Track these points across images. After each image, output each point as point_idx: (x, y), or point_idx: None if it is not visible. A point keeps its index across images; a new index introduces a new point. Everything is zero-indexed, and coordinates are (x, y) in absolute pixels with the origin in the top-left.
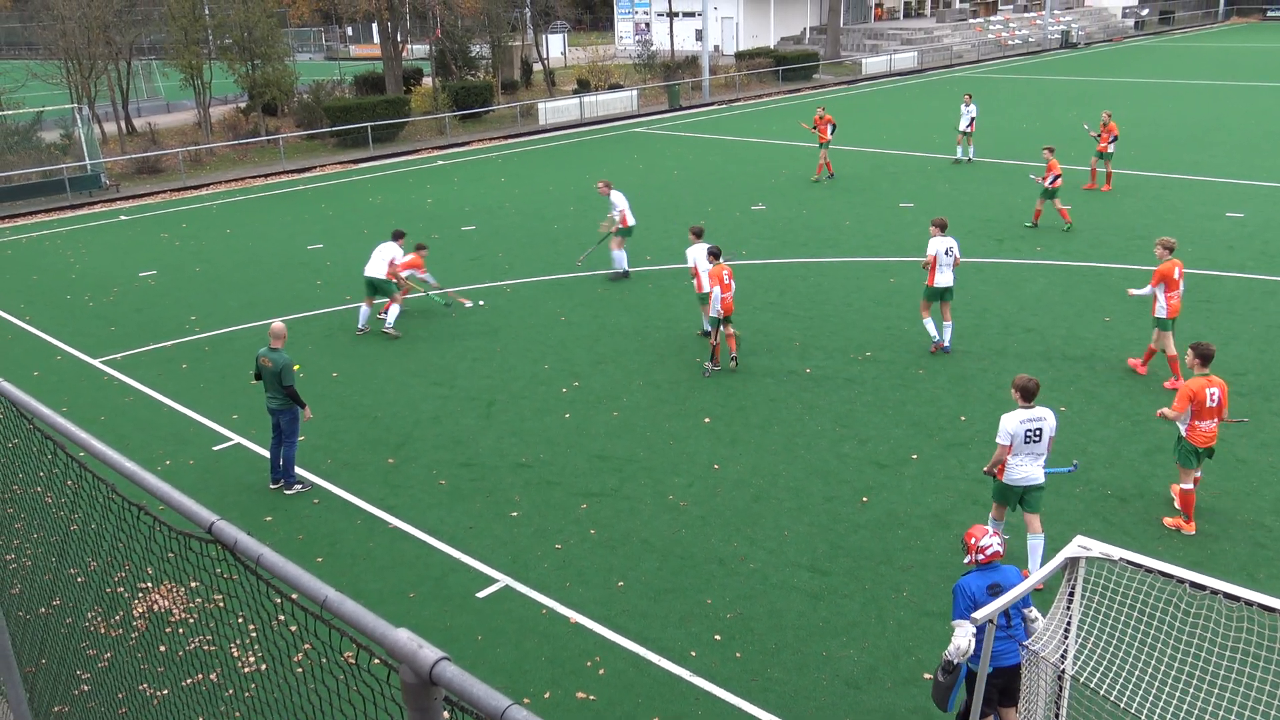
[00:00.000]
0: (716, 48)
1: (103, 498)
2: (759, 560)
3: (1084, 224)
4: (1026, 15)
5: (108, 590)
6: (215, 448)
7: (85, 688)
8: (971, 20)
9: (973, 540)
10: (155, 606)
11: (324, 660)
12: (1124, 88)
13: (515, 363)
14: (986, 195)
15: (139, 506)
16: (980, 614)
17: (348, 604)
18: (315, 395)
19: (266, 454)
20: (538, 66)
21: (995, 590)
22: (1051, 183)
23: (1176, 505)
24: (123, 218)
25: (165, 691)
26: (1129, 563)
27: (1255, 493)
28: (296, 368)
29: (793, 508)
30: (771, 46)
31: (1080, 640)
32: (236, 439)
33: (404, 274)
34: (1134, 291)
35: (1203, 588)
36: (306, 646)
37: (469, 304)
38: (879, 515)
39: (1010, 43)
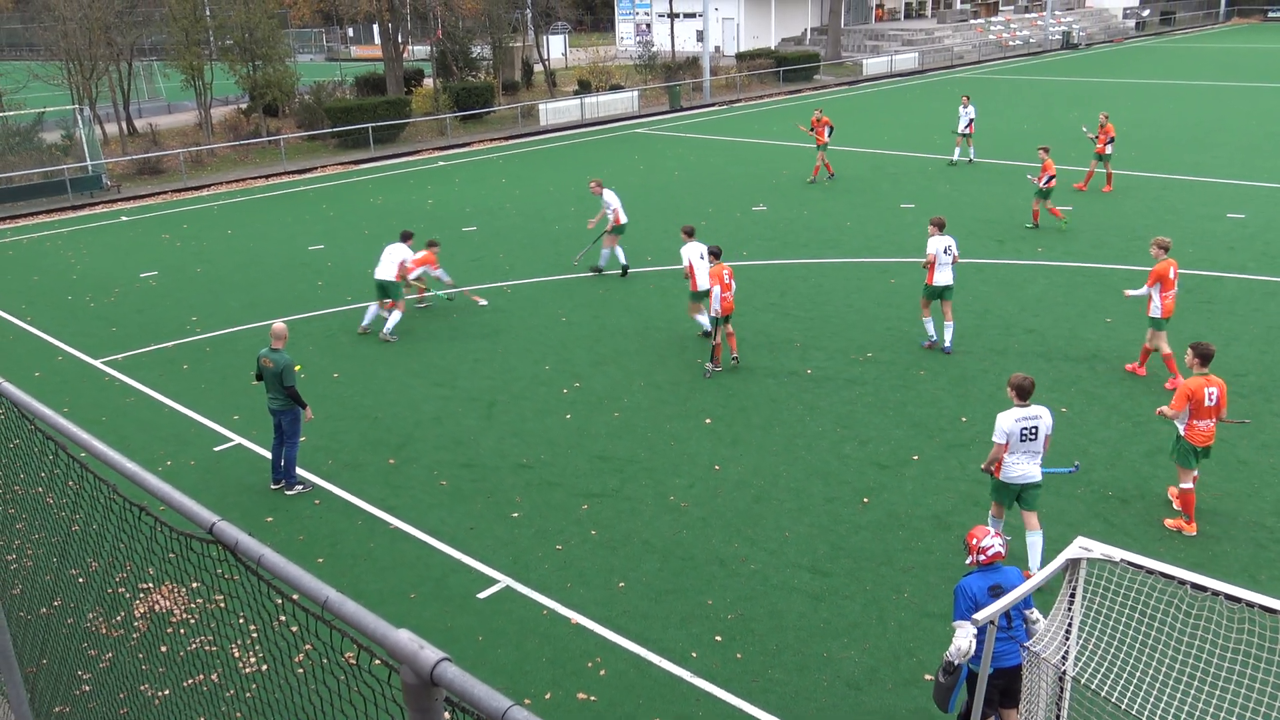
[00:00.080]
0: (717, 48)
1: (104, 498)
2: (760, 561)
3: (1085, 225)
4: (1027, 16)
5: (109, 591)
6: (216, 448)
7: (86, 688)
8: (972, 21)
9: (974, 541)
10: (156, 607)
11: (325, 661)
12: (1125, 88)
13: (516, 363)
14: (987, 196)
15: (140, 507)
16: (981, 615)
17: (349, 605)
18: (316, 396)
19: (267, 455)
20: (539, 67)
21: (996, 591)
22: (1046, 183)
23: (1176, 507)
24: (124, 218)
25: (166, 692)
26: (1130, 564)
27: (1256, 494)
28: (298, 368)
29: (793, 509)
30: (772, 47)
31: (1081, 641)
32: (237, 440)
33: (417, 271)
34: (1130, 292)
35: (1204, 589)
36: (307, 647)
37: (483, 302)
38: (880, 516)
39: (1011, 43)
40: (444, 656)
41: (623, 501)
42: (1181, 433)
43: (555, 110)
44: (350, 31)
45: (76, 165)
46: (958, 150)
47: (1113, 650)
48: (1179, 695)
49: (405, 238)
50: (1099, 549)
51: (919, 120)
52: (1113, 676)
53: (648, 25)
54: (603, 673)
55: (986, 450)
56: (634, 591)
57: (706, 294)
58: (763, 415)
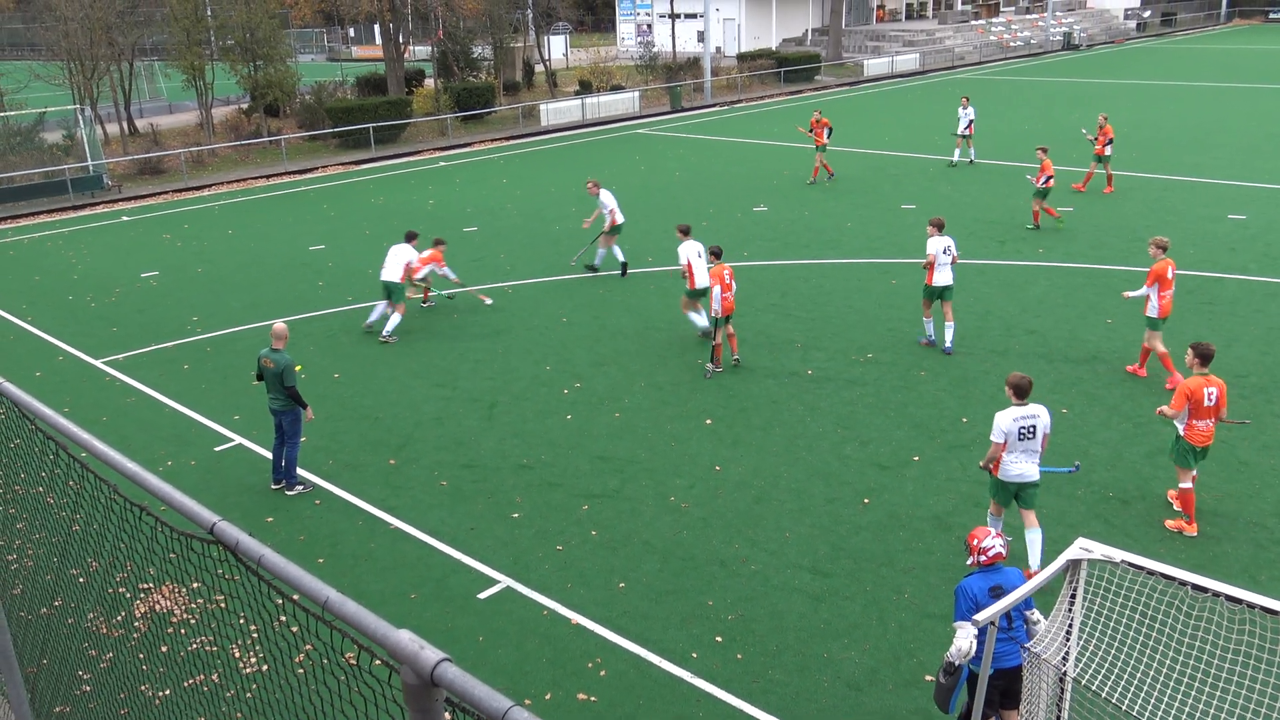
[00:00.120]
0: (718, 49)
1: (104, 498)
2: (760, 562)
3: (1086, 226)
4: (1028, 17)
5: (109, 591)
6: (217, 448)
7: (87, 688)
8: (974, 22)
9: (975, 542)
10: (157, 607)
11: (325, 661)
12: (1126, 89)
13: (517, 364)
14: (988, 197)
15: (141, 507)
16: (982, 616)
17: (349, 605)
18: (317, 396)
19: (268, 455)
20: (539, 68)
21: (997, 592)
22: (1044, 183)
23: (1176, 508)
24: (125, 218)
25: (167, 692)
26: (1131, 565)
27: (1257, 495)
28: (298, 368)
29: (794, 509)
30: (773, 48)
31: (1082, 642)
32: (238, 440)
33: (424, 270)
34: (1130, 294)
35: (1204, 590)
36: (308, 647)
37: (489, 301)
38: (880, 517)
39: (1012, 44)
40: (444, 657)
41: (623, 502)
42: (1181, 432)
43: (556, 111)
44: (351, 32)
45: (77, 165)
46: (958, 152)
47: (1113, 651)
48: (1179, 696)
49: (410, 238)
50: (1099, 550)
51: (920, 121)
52: (1113, 677)
53: (649, 26)
54: (603, 673)
55: (987, 451)
56: (634, 592)
57: (704, 292)
58: (763, 416)
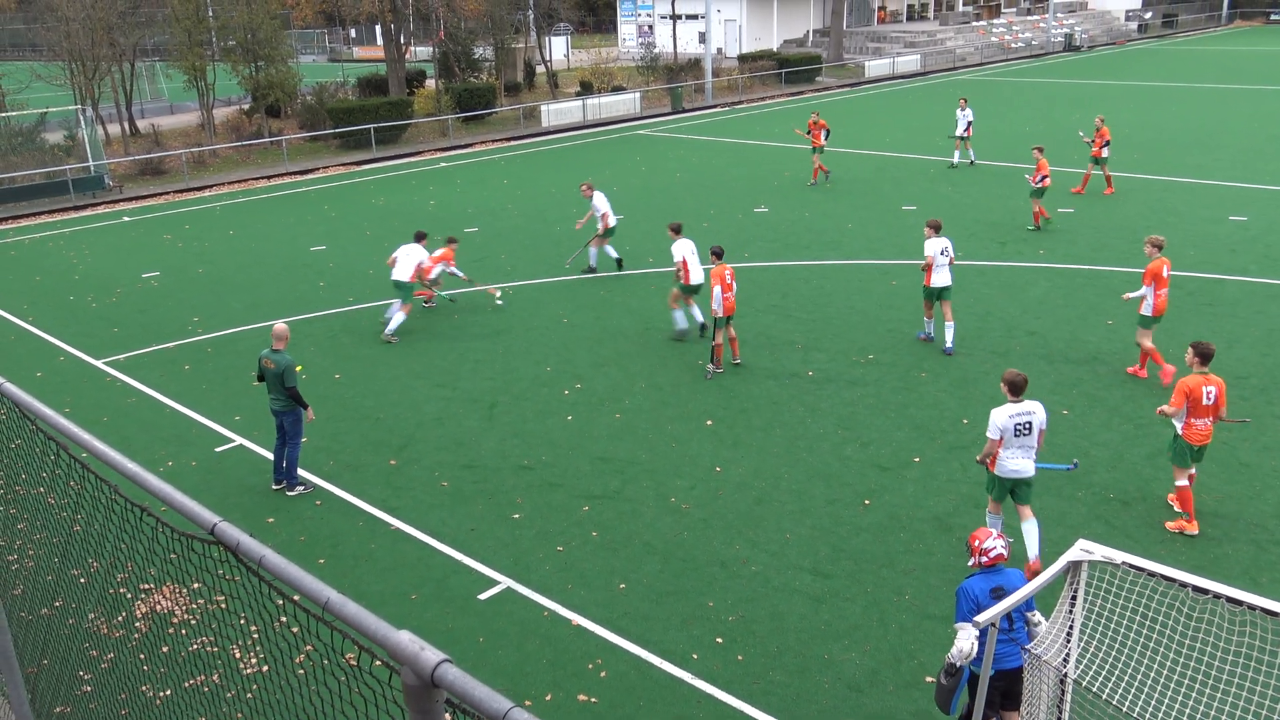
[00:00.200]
0: (719, 50)
1: (105, 499)
2: (761, 563)
3: (1087, 227)
4: (1030, 18)
5: (110, 591)
6: (217, 449)
7: (87, 689)
8: (975, 23)
9: (976, 543)
10: (158, 608)
11: (326, 662)
12: (1127, 91)
13: (518, 364)
14: (989, 198)
15: (141, 508)
16: (982, 617)
17: (349, 606)
18: (317, 397)
19: (268, 455)
20: (541, 69)
21: (998, 593)
22: (1039, 182)
23: (1176, 508)
24: (126, 219)
25: (167, 692)
26: (1131, 566)
27: (1258, 496)
28: (299, 369)
29: (795, 510)
30: (774, 49)
31: (1082, 644)
32: (239, 440)
33: (437, 269)
34: (1130, 295)
35: (1205, 591)
36: (308, 648)
37: (499, 297)
38: (881, 518)
39: (1013, 46)
40: (445, 658)
41: (624, 503)
42: (1179, 431)
43: (557, 111)
44: (353, 32)
45: (79, 166)
46: (957, 153)
47: (1114, 653)
48: (1180, 698)
49: (419, 238)
50: (1100, 551)
51: (921, 122)
52: (1114, 679)
53: (650, 27)
54: (603, 674)
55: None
56: (635, 593)
57: (699, 288)
58: (764, 417)
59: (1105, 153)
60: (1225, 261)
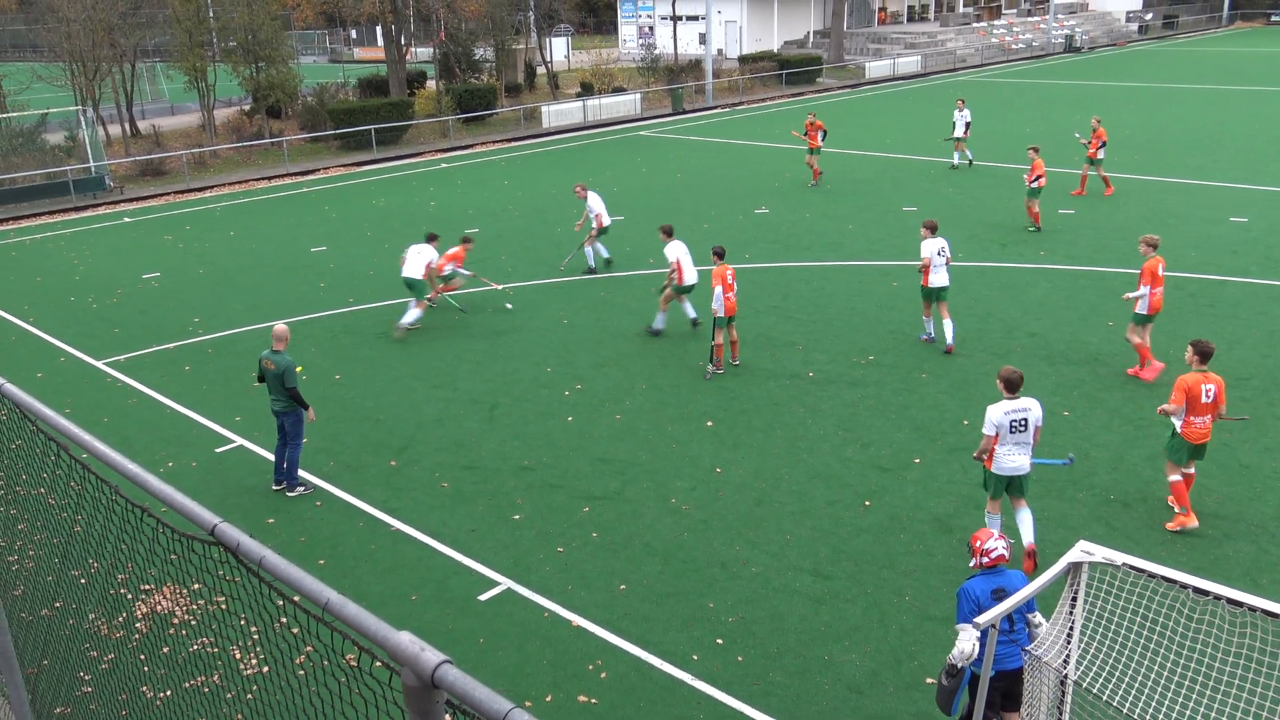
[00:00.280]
0: (720, 51)
1: (105, 500)
2: (761, 564)
3: (1087, 229)
4: (1030, 19)
5: (110, 592)
6: (218, 450)
7: (87, 689)
8: (975, 24)
9: (978, 544)
10: (158, 608)
11: (326, 663)
12: (1127, 92)
13: (518, 365)
14: (990, 199)
15: (142, 508)
16: (983, 619)
17: (350, 606)
18: (318, 397)
19: (269, 456)
20: (541, 70)
21: (1000, 594)
22: (1034, 182)
23: (1175, 507)
24: (126, 220)
25: (167, 693)
26: (1132, 568)
27: (1259, 498)
28: (299, 369)
29: (795, 511)
30: (775, 50)
31: (1083, 645)
32: (239, 441)
33: (449, 267)
34: (1130, 295)
35: (1205, 593)
36: (308, 649)
37: (508, 298)
38: (881, 519)
39: (1014, 47)
40: (445, 659)
41: (624, 504)
42: (1178, 429)
43: (558, 112)
44: (353, 33)
45: (80, 166)
46: (957, 155)
47: (1114, 654)
48: (1180, 699)
49: (430, 239)
50: (1101, 553)
51: (921, 123)
52: (1114, 680)
53: (650, 28)
54: (604, 675)
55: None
56: (635, 594)
57: (692, 289)
58: (764, 418)
59: (1101, 154)
60: (1226, 263)
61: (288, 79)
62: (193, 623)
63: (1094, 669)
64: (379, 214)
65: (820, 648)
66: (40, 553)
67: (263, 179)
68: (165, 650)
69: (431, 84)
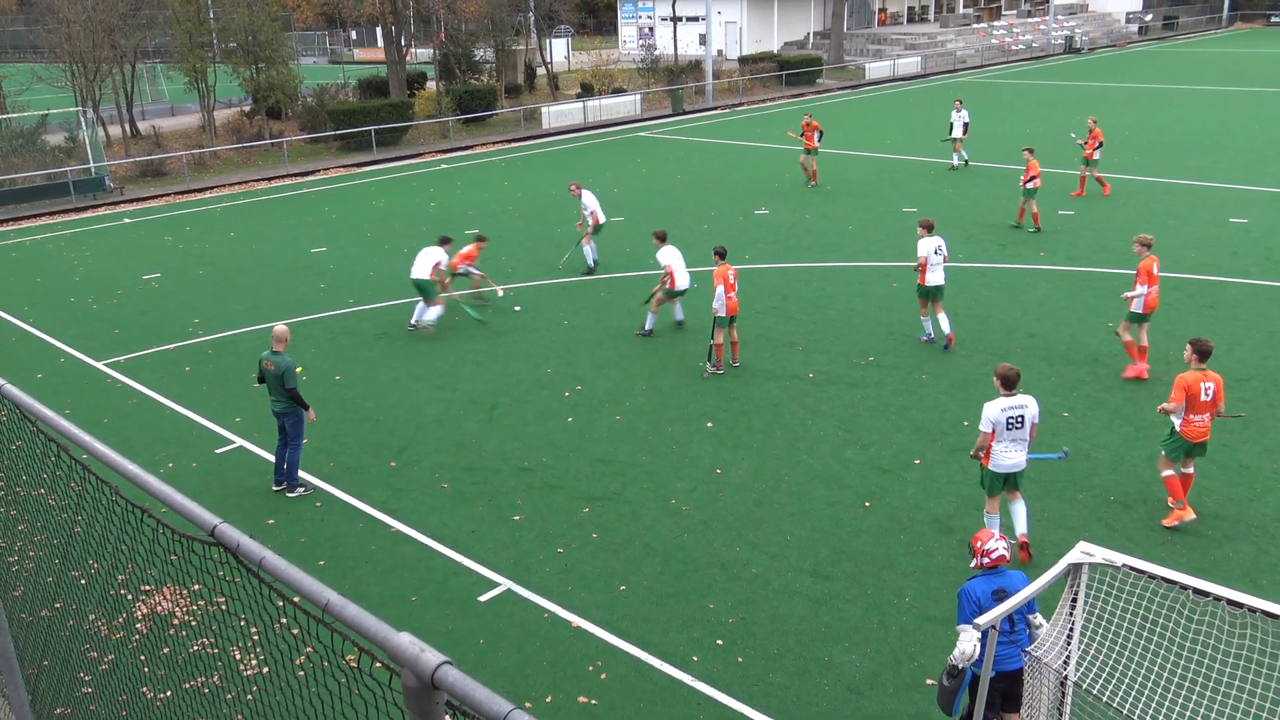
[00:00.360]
0: (720, 52)
1: (106, 500)
2: (761, 565)
3: (1087, 229)
4: (1030, 20)
5: (110, 593)
6: (218, 450)
7: (87, 690)
8: (975, 25)
9: (978, 544)
10: (158, 609)
11: (326, 664)
12: (1128, 93)
13: (518, 366)
14: (990, 200)
15: (142, 509)
16: (983, 620)
17: (350, 607)
18: (318, 398)
19: (269, 457)
20: (541, 70)
21: (1000, 595)
22: (1029, 183)
23: (1170, 504)
24: (126, 220)
25: (167, 694)
26: (1132, 569)
27: (1259, 498)
28: (299, 370)
29: (795, 512)
30: (775, 51)
31: (1083, 646)
32: (239, 442)
33: (462, 265)
34: (1128, 294)
35: (1205, 594)
36: (308, 650)
37: (503, 295)
38: (881, 520)
39: (1014, 48)
40: (445, 660)
41: (624, 505)
42: (1177, 427)
43: (558, 113)
44: (353, 34)
45: (80, 167)
46: (956, 155)
47: (1114, 655)
48: (1180, 700)
49: (443, 242)
50: (1101, 554)
51: (921, 124)
52: (1114, 681)
53: (650, 29)
54: (604, 676)
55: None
56: (635, 595)
57: (684, 293)
58: (764, 419)
59: (1097, 154)
60: (1226, 264)
61: (288, 80)
62: (193, 623)
63: (1094, 670)
64: (379, 215)
65: (820, 649)
66: (40, 553)
67: (263, 180)
68: (165, 651)
69: (431, 85)
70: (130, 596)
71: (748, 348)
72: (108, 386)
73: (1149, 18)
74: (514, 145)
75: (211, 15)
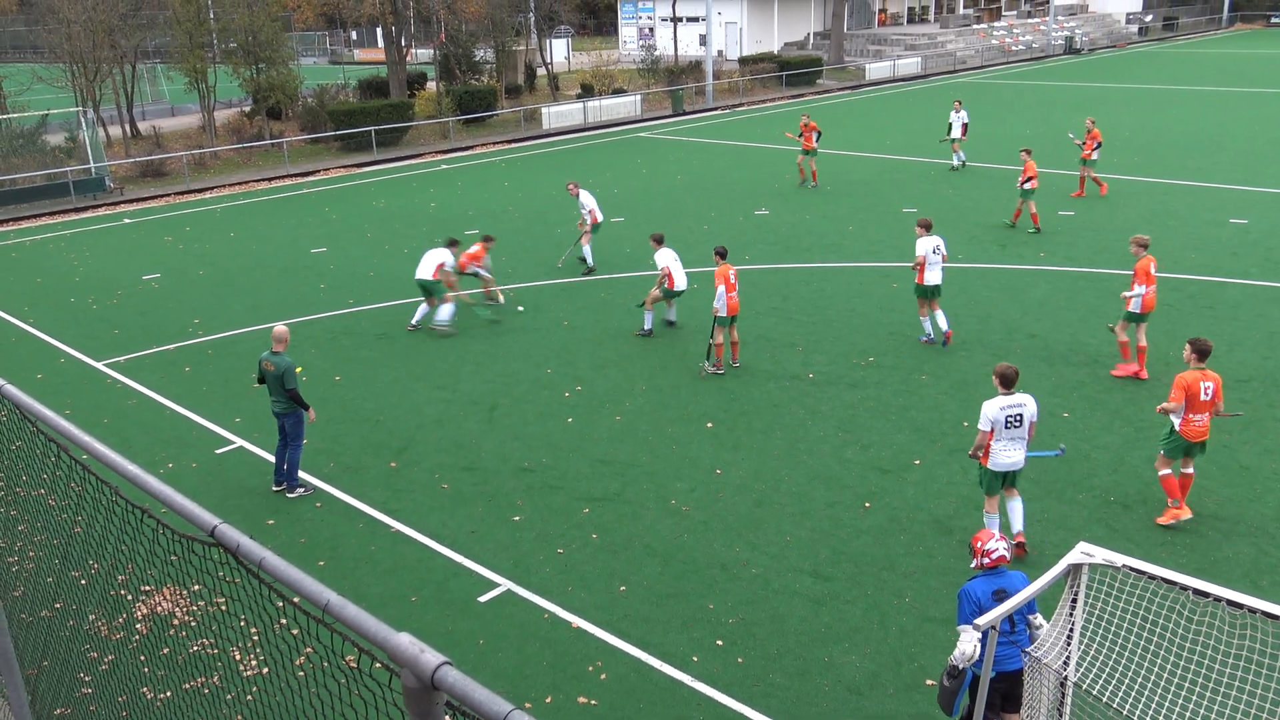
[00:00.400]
0: (720, 53)
1: (106, 501)
2: (761, 565)
3: (1087, 230)
4: (1030, 21)
5: (110, 593)
6: (218, 451)
7: (87, 690)
8: (975, 26)
9: (979, 545)
10: (158, 610)
11: (326, 664)
12: (1127, 94)
13: (518, 367)
14: (990, 201)
15: (142, 509)
16: (983, 620)
17: (349, 608)
18: (318, 399)
19: (269, 457)
20: (541, 71)
21: (1000, 595)
22: (1025, 184)
23: (1169, 502)
24: (127, 221)
25: (167, 694)
26: (1132, 569)
27: (1259, 499)
28: (299, 370)
29: (795, 513)
30: (775, 51)
31: (1083, 647)
32: (239, 442)
33: (471, 266)
34: (1127, 294)
35: (1206, 595)
36: (308, 650)
37: (504, 303)
38: (881, 521)
39: (1014, 48)
40: (445, 660)
41: (624, 505)
42: (1176, 426)
43: (558, 114)
44: (353, 35)
45: (80, 167)
46: (955, 156)
47: (1114, 656)
48: (1180, 701)
49: (450, 244)
50: (1101, 554)
51: (921, 125)
52: (1114, 682)
53: (650, 29)
54: (604, 676)
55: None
56: (635, 595)
57: (680, 294)
58: (764, 419)
59: (1095, 155)
60: (1226, 264)
61: (288, 80)
62: (193, 624)
63: (1094, 671)
64: (379, 215)
65: (820, 649)
66: (40, 554)
67: (263, 180)
68: (165, 651)
69: (432, 85)
70: (130, 597)
71: (748, 348)
72: (107, 387)
73: (1149, 18)
74: (514, 146)
75: (212, 15)
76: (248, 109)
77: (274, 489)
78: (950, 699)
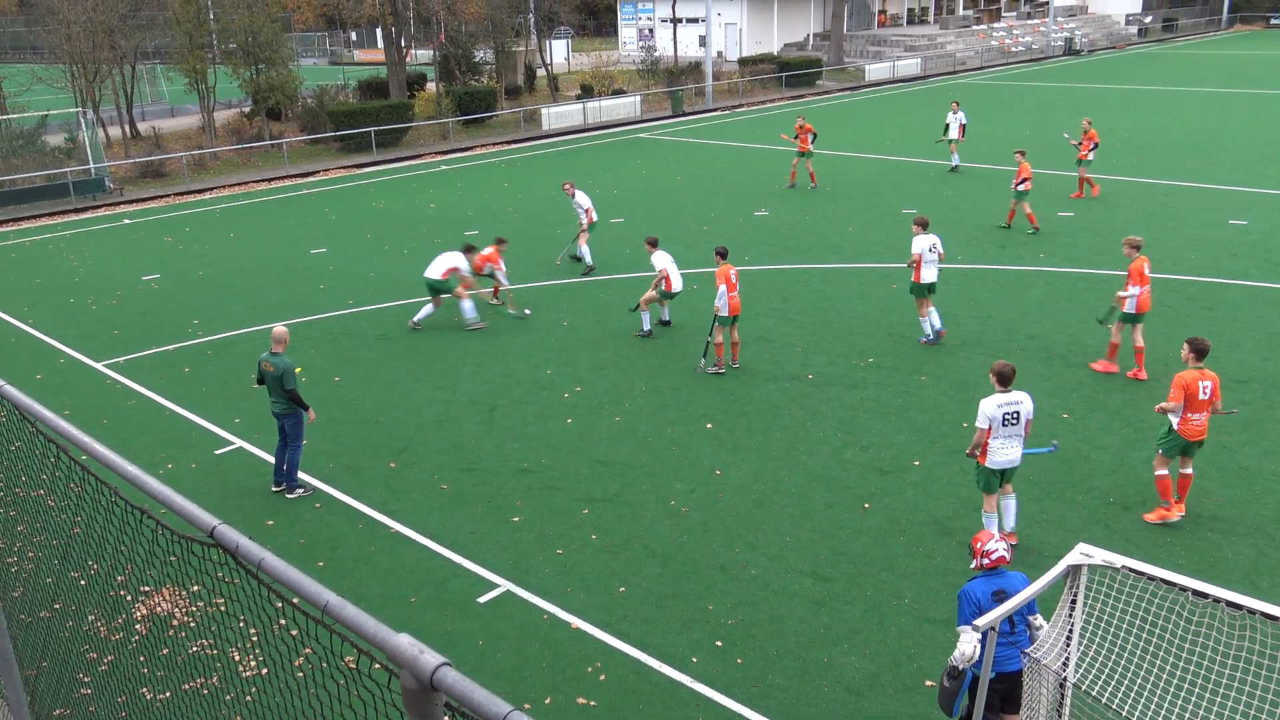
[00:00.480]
0: (720, 54)
1: (105, 501)
2: (760, 566)
3: (1086, 231)
4: (1030, 22)
5: (110, 594)
6: (217, 451)
7: (86, 691)
8: (975, 27)
9: (979, 545)
10: (157, 610)
11: (325, 665)
12: (1127, 95)
13: (518, 367)
14: (990, 202)
15: (141, 510)
16: (983, 621)
17: (349, 609)
18: (317, 399)
19: (268, 458)
20: (541, 72)
21: (1000, 596)
22: (1020, 185)
23: (1160, 502)
24: (126, 221)
25: (166, 695)
26: (1131, 570)
27: (1258, 500)
28: (299, 371)
29: (794, 514)
30: (775, 52)
31: (1082, 648)
32: (238, 443)
33: (486, 268)
34: (1122, 294)
35: (1205, 596)
36: (307, 651)
37: (528, 312)
38: (881, 521)
39: (1014, 49)
40: (444, 661)
41: (623, 506)
42: (1174, 426)
43: (558, 115)
44: (353, 35)
45: (79, 168)
46: (955, 157)
47: (1114, 656)
48: (1180, 702)
49: (467, 250)
50: (1100, 555)
51: (921, 126)
52: (1113, 683)
53: (650, 30)
54: (603, 678)
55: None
56: (634, 596)
57: (676, 295)
58: (764, 420)
59: (1091, 156)
60: (1226, 265)
61: (288, 81)
62: (192, 625)
63: (1093, 671)
64: (379, 216)
65: (820, 650)
66: (39, 554)
67: (263, 181)
68: (164, 652)
69: (431, 86)
70: (129, 597)
71: (747, 349)
72: (107, 387)
73: (1148, 20)
74: (514, 146)
75: (211, 16)
76: (247, 110)
77: (273, 490)
78: (950, 700)
